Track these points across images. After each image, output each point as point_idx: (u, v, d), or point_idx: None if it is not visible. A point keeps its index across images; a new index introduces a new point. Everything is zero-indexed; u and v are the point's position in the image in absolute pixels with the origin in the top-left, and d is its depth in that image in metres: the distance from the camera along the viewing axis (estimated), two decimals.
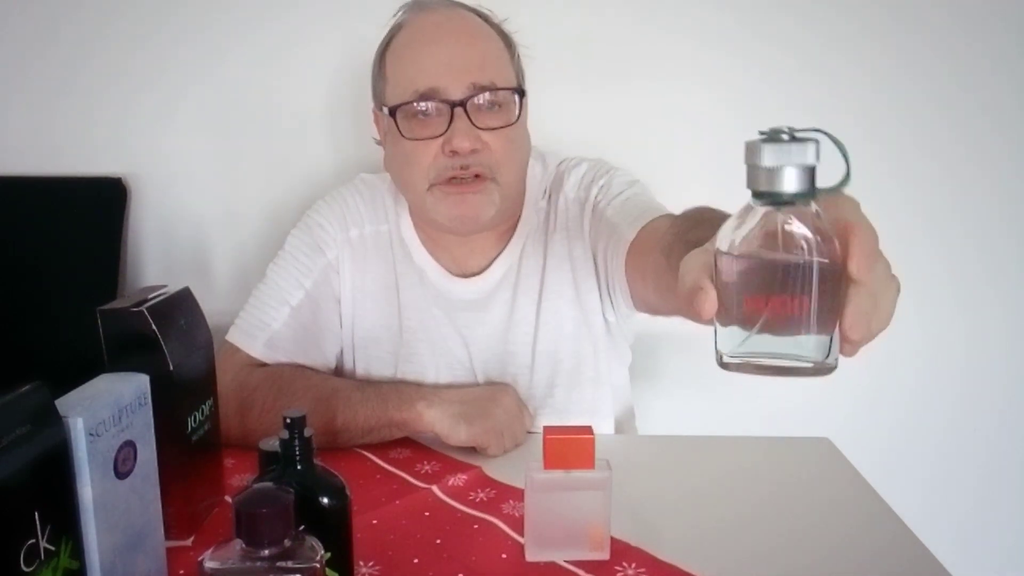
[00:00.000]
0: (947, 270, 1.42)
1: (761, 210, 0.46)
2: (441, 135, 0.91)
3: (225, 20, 1.35)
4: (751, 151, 0.46)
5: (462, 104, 0.90)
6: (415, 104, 0.92)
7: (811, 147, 0.45)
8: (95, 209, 1.38)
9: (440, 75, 0.91)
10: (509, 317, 1.03)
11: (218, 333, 0.80)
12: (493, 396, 0.95)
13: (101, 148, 1.39)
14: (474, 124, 0.91)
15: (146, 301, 0.70)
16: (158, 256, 1.43)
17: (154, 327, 0.69)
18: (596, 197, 1.00)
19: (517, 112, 0.95)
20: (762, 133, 0.46)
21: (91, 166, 1.39)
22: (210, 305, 0.81)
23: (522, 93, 0.96)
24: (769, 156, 0.45)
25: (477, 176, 0.93)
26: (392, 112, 0.93)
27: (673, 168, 1.35)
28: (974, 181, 1.39)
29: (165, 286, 0.76)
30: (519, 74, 1.00)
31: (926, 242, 1.41)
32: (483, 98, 0.92)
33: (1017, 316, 1.43)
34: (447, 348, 1.03)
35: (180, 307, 0.75)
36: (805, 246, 0.44)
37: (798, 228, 0.45)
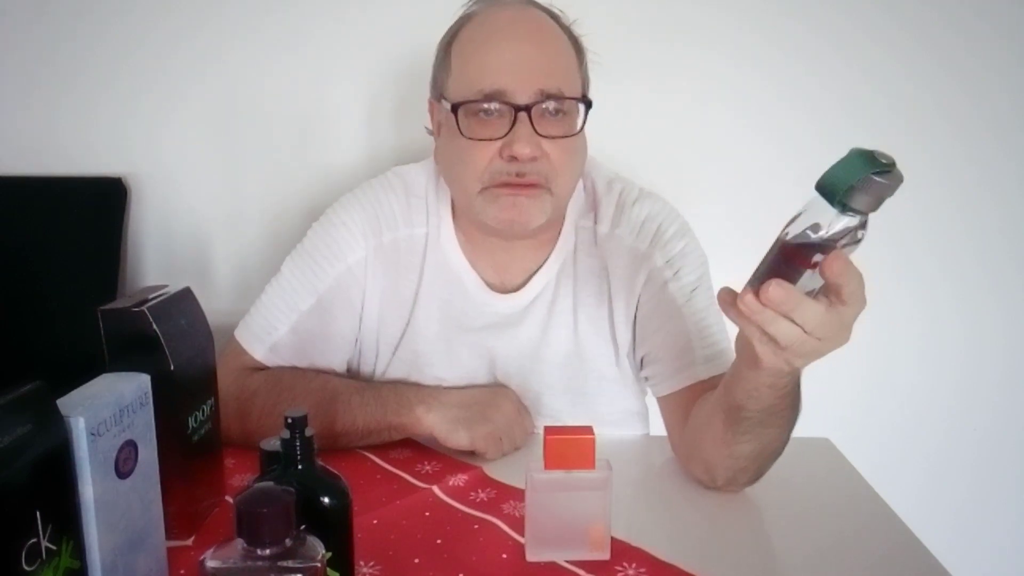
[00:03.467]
0: (946, 270, 1.42)
1: (848, 218, 0.57)
2: (501, 138, 0.88)
3: (224, 20, 1.35)
4: (872, 184, 0.55)
5: (527, 109, 0.87)
6: (479, 103, 0.88)
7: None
8: (95, 209, 1.38)
9: (508, 76, 0.87)
10: (542, 336, 1.00)
11: (219, 333, 0.80)
12: (493, 400, 0.95)
13: (101, 148, 1.39)
14: (536, 131, 0.87)
15: (147, 301, 0.70)
16: (158, 256, 1.43)
17: (155, 327, 0.69)
18: (662, 270, 0.97)
19: (581, 122, 0.92)
20: (882, 168, 0.55)
21: (91, 166, 1.39)
22: (211, 305, 0.80)
23: (588, 104, 0.92)
24: (889, 189, 0.56)
25: (532, 184, 0.89)
26: (454, 108, 0.90)
27: (677, 172, 1.35)
28: (973, 182, 1.39)
29: (166, 286, 0.76)
30: (585, 82, 0.96)
31: (925, 243, 1.41)
32: (549, 105, 0.88)
33: (1015, 316, 1.43)
34: (461, 361, 1.01)
35: (181, 307, 0.75)
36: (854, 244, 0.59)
37: (863, 231, 0.58)
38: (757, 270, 0.62)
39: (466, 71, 0.91)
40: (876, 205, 0.57)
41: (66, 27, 1.36)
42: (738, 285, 0.63)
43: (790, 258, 0.60)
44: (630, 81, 1.34)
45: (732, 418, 0.76)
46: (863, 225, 0.58)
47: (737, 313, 0.62)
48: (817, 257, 0.59)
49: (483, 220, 0.93)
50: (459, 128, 0.89)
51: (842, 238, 0.58)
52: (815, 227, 0.58)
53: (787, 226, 0.60)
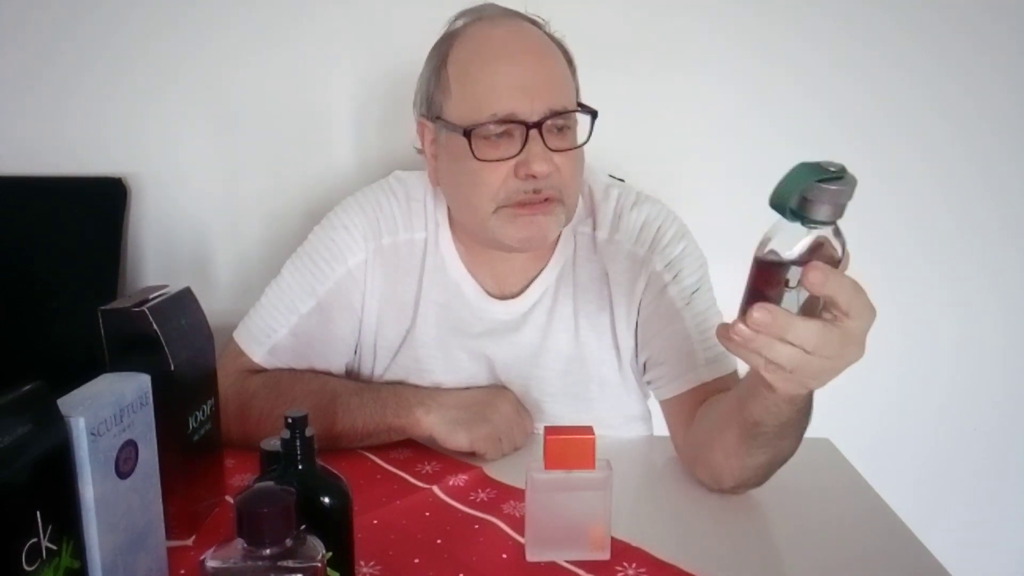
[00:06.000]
0: (945, 271, 1.42)
1: (813, 231, 0.57)
2: (513, 157, 0.88)
3: (225, 21, 1.35)
4: (820, 191, 0.55)
5: (538, 127, 0.87)
6: (491, 126, 0.88)
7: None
8: (95, 209, 1.38)
9: (519, 98, 0.87)
10: (542, 342, 1.00)
11: (219, 333, 0.80)
12: (492, 401, 0.95)
13: (101, 148, 1.39)
14: (547, 146, 0.88)
15: (147, 301, 0.70)
16: (158, 256, 1.43)
17: (155, 327, 0.69)
18: (662, 274, 0.97)
19: (586, 132, 0.93)
20: (829, 175, 0.55)
21: (91, 166, 1.39)
22: (211, 305, 0.80)
23: (595, 114, 0.92)
24: (842, 195, 0.55)
25: (548, 200, 0.90)
26: (466, 133, 0.89)
27: (683, 163, 1.35)
28: (971, 182, 1.39)
29: (166, 286, 0.76)
30: (578, 90, 0.96)
31: (924, 242, 1.41)
32: (557, 121, 0.89)
33: (1014, 316, 1.43)
34: (460, 367, 1.00)
35: (181, 307, 0.75)
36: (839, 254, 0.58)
37: (838, 241, 0.58)
38: (743, 297, 0.60)
39: (472, 93, 0.90)
40: (835, 213, 0.56)
41: (67, 27, 1.36)
42: (738, 287, 0.62)
43: (766, 279, 0.59)
44: (629, 81, 1.34)
45: (748, 433, 0.75)
46: (837, 234, 0.57)
47: (735, 345, 0.61)
48: (792, 273, 0.57)
49: (499, 239, 0.92)
50: (472, 152, 0.89)
51: (813, 251, 0.57)
52: (783, 245, 0.57)
53: (759, 246, 0.59)
